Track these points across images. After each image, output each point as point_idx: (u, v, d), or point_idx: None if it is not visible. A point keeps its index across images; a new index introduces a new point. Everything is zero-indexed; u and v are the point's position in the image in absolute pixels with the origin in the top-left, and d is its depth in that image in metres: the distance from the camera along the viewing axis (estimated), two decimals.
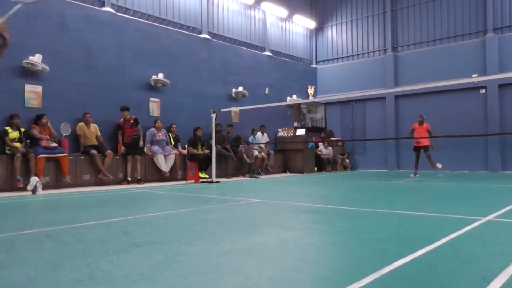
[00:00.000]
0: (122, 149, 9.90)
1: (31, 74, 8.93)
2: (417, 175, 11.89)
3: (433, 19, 15.28)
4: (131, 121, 10.11)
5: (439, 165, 14.21)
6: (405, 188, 8.39)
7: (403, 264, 2.49)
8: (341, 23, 17.73)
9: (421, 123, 11.68)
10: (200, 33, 13.14)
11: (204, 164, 10.80)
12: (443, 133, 13.32)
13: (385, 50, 16.31)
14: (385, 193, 7.57)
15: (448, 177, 11.43)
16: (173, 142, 11.16)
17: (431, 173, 12.58)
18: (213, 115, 10.50)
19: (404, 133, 15.33)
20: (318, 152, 15.48)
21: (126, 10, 11.23)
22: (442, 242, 3.08)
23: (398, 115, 15.78)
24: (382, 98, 15.99)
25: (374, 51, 16.74)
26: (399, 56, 15.88)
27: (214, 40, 13.53)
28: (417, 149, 11.88)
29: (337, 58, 17.82)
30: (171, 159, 10.56)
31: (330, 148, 15.85)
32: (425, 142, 11.61)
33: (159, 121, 10.71)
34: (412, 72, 15.27)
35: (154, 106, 11.36)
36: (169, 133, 11.16)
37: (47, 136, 8.59)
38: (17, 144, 8.16)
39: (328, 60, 18.10)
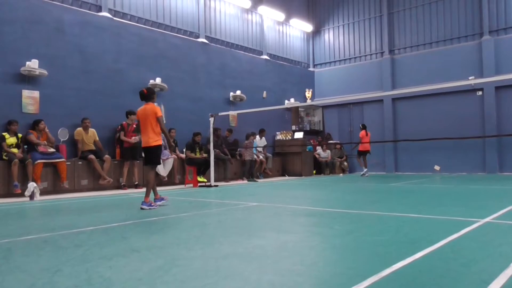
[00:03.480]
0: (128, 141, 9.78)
1: (28, 80, 8.92)
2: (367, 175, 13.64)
3: (429, 22, 15.34)
4: (134, 125, 10.12)
5: (437, 167, 14.28)
6: (404, 191, 8.39)
7: (402, 267, 2.49)
8: (338, 26, 17.77)
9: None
10: (198, 37, 13.16)
11: (202, 168, 10.78)
12: (440, 135, 13.34)
13: (382, 53, 16.36)
14: (383, 195, 7.58)
15: (446, 179, 11.44)
16: None
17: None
18: (211, 119, 10.50)
19: (402, 135, 15.37)
20: (316, 155, 15.48)
21: (123, 15, 11.24)
22: (441, 244, 3.08)
23: (395, 117, 15.81)
24: (379, 100, 16.02)
25: (371, 54, 16.78)
26: (396, 59, 15.92)
27: (212, 44, 13.54)
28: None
29: (334, 61, 17.86)
30: (169, 163, 10.53)
31: (328, 151, 15.86)
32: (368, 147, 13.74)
33: None
34: (409, 75, 15.31)
35: None
36: None
37: (45, 142, 8.57)
38: (15, 150, 8.13)
39: (325, 63, 18.13)
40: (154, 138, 5.98)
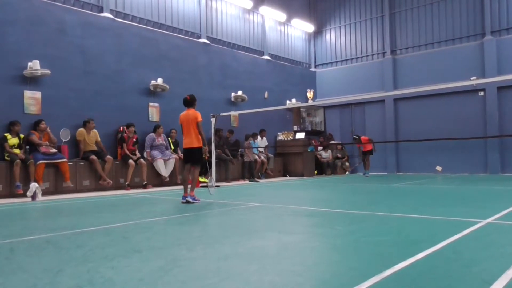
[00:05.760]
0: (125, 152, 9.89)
1: (30, 81, 8.93)
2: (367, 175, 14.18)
3: (431, 22, 15.32)
4: (134, 139, 10.14)
5: (438, 168, 14.27)
6: (405, 191, 8.38)
7: (404, 267, 2.49)
8: (340, 26, 17.76)
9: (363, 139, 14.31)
10: (199, 37, 13.16)
11: (203, 168, 10.78)
12: (442, 135, 13.34)
13: (383, 53, 16.34)
14: (385, 196, 7.57)
15: (448, 179, 11.42)
16: (172, 147, 11.15)
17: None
18: (213, 120, 10.50)
19: (403, 136, 15.36)
20: (318, 156, 15.47)
21: (125, 16, 11.25)
22: (442, 245, 3.07)
23: (397, 118, 15.78)
24: (381, 101, 16.00)
25: (372, 54, 16.76)
26: (397, 59, 15.90)
27: (213, 44, 13.54)
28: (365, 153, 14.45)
29: (336, 62, 17.84)
30: (171, 164, 10.54)
31: (330, 151, 15.85)
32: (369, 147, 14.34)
33: (161, 127, 10.69)
34: (411, 75, 15.29)
35: (154, 111, 11.36)
36: (169, 138, 11.16)
37: (47, 142, 8.58)
38: (17, 151, 8.14)
39: (327, 63, 18.12)
40: (197, 141, 6.59)
